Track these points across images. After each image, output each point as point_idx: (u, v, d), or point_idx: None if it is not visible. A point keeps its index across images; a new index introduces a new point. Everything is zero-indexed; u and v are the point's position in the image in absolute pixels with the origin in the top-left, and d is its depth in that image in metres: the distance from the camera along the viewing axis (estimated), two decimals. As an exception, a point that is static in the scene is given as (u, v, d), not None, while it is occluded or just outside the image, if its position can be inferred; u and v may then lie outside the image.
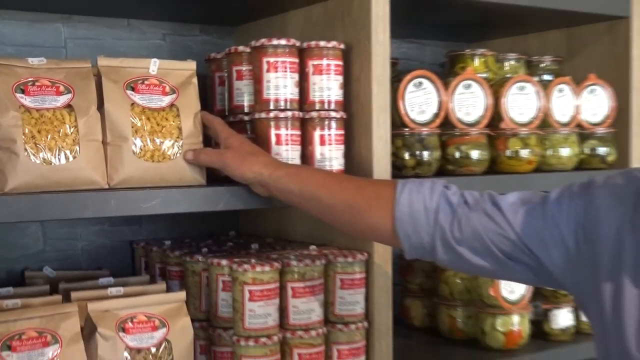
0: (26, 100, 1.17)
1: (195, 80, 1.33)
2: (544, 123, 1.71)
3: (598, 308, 1.10)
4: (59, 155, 1.17)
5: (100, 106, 1.23)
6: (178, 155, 1.28)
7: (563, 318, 1.80)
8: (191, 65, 1.34)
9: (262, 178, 1.28)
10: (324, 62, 1.39)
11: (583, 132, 1.79)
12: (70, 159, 1.18)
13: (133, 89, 1.26)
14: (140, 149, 1.24)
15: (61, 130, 1.18)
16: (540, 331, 1.80)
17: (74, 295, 1.26)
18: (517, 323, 1.71)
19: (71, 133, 1.18)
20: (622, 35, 1.83)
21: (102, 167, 1.22)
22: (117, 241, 1.67)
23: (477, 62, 1.78)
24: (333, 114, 1.40)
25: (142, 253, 1.62)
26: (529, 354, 1.71)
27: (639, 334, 0.96)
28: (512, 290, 1.69)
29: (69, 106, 1.20)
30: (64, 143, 1.17)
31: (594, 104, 1.80)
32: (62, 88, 1.20)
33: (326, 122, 1.40)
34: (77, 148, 1.19)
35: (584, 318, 1.81)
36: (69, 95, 1.20)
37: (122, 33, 1.66)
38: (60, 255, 1.61)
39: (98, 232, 1.65)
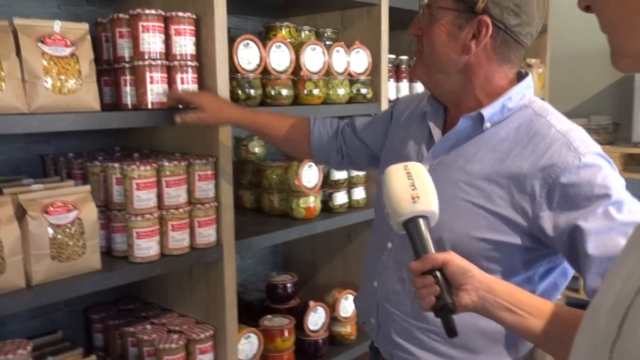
0: (-40, 48, 1.12)
1: (89, 37, 1.30)
2: (328, 72, 1.79)
3: (391, 155, 1.25)
4: (-11, 88, 1.13)
5: (18, 54, 1.19)
6: (80, 90, 1.26)
7: (340, 198, 1.94)
8: (85, 26, 1.31)
9: (234, 125, 1.47)
10: (182, 27, 1.41)
11: (352, 79, 1.89)
12: (-1, 91, 1.15)
13: (42, 42, 1.23)
14: (51, 85, 1.22)
15: (-10, 70, 1.14)
16: (326, 206, 1.92)
17: (5, 190, 1.23)
18: (313, 202, 1.83)
19: (-2, 72, 1.15)
20: (376, 16, 1.94)
21: (23, 98, 1.18)
22: (31, 155, 1.60)
23: (284, 31, 1.83)
24: (189, 63, 1.43)
25: (51, 163, 1.58)
26: (320, 221, 1.83)
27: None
28: (309, 180, 1.81)
29: (-6, 52, 1.15)
30: (-8, 80, 1.14)
31: (358, 60, 1.90)
32: (-13, 39, 1.15)
33: (185, 69, 1.42)
34: (3, 84, 1.15)
35: (354, 197, 2.01)
36: (-6, 45, 1.16)
37: (28, 2, 1.56)
38: (-13, 166, 1.53)
39: (16, 149, 1.58)
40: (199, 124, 1.41)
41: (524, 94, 1.08)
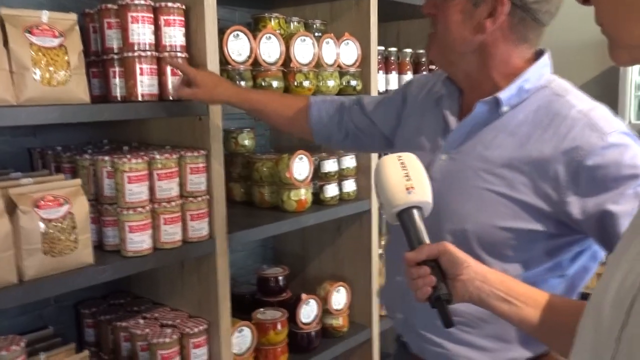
0: (-54, 38, 1.09)
1: (77, 27, 1.28)
2: (318, 64, 1.79)
3: (406, 144, 1.22)
4: (-24, 80, 1.11)
5: (5, 44, 1.17)
6: (69, 81, 1.24)
7: (331, 190, 1.93)
8: (73, 17, 1.28)
9: (228, 104, 1.44)
10: (172, 17, 1.40)
11: (341, 71, 1.89)
12: (-14, 83, 1.13)
13: (30, 33, 1.20)
14: (40, 76, 1.19)
15: (-24, 61, 1.11)
16: (317, 199, 1.92)
17: (-6, 184, 1.22)
18: (304, 194, 1.82)
19: (-16, 64, 1.13)
20: (365, 7, 1.93)
21: (11, 90, 1.16)
22: (17, 148, 1.57)
23: (273, 22, 1.82)
24: (179, 54, 1.42)
25: (38, 156, 1.55)
26: (311, 213, 1.83)
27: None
28: (300, 173, 1.80)
29: (-19, 43, 1.13)
30: (-21, 71, 1.11)
31: (348, 52, 1.90)
32: (-27, 30, 1.13)
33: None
34: (-10, 75, 1.13)
35: (344, 190, 2.01)
36: (-20, 35, 1.13)
37: (11, -8, 1.54)
38: (-28, 160, 1.50)
39: (2, 142, 1.54)
40: (192, 99, 1.40)
41: (542, 73, 1.03)
